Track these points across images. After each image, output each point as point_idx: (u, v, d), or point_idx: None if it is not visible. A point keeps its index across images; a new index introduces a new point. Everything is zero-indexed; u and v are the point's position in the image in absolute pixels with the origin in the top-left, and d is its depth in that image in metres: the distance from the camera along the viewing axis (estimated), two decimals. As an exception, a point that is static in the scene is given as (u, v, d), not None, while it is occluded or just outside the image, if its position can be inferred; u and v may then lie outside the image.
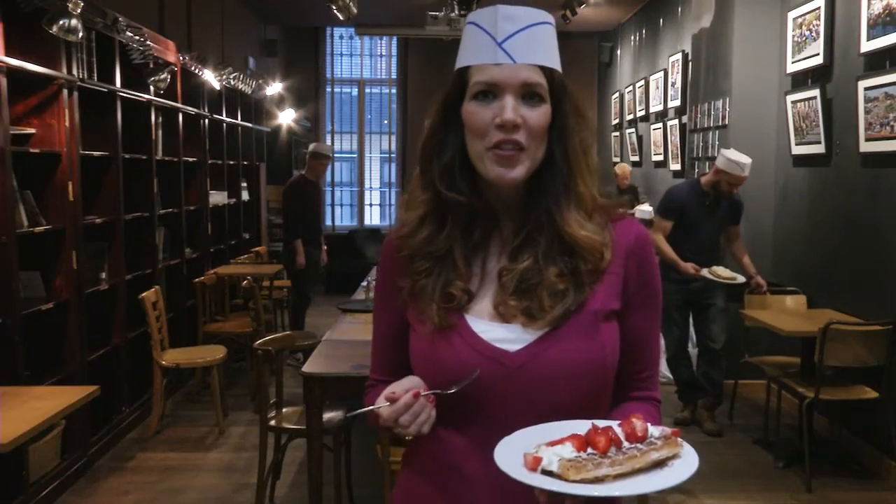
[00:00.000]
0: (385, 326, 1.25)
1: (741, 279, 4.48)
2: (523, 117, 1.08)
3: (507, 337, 1.11)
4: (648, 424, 1.02)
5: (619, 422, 1.02)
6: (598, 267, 1.13)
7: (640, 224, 1.21)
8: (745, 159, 4.27)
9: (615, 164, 9.47)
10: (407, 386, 1.08)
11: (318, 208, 6.55)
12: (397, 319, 1.21)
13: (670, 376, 4.80)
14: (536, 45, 1.11)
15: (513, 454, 1.01)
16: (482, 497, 1.11)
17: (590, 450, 0.98)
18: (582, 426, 1.03)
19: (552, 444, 0.99)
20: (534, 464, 0.98)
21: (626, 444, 0.99)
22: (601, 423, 1.02)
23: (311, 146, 6.55)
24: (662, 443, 1.00)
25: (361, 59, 10.97)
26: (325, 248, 6.65)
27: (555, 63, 1.13)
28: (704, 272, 4.42)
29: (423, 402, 1.06)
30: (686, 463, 1.00)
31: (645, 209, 7.25)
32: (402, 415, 1.05)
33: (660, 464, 1.00)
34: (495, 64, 1.09)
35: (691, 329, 4.93)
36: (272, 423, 3.45)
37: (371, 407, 1.06)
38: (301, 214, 6.20)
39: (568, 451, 0.98)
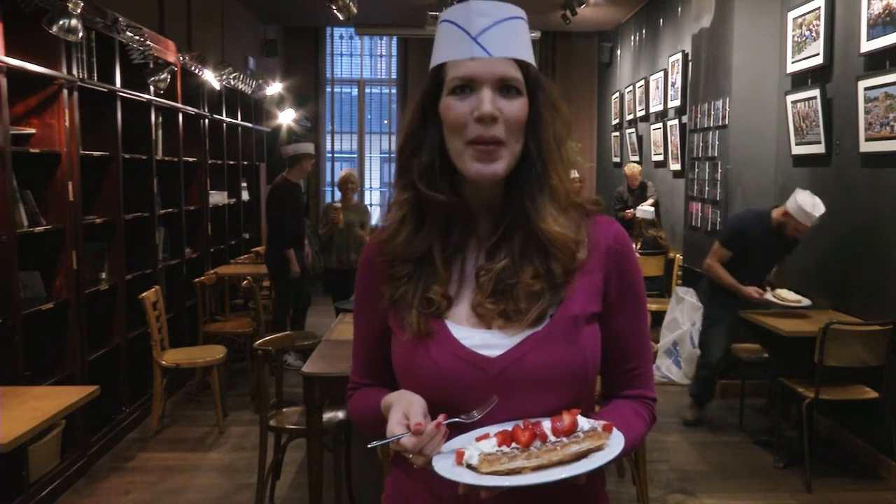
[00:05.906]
0: (365, 331, 1.25)
1: (806, 302, 4.29)
2: (501, 110, 1.08)
3: (488, 342, 1.10)
4: (580, 418, 1.03)
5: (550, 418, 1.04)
6: (571, 265, 1.12)
7: (618, 223, 1.21)
8: (817, 210, 4.08)
9: (616, 164, 9.49)
10: (419, 410, 1.05)
11: (301, 210, 6.22)
12: (378, 325, 1.21)
13: (670, 376, 4.79)
14: (511, 39, 1.11)
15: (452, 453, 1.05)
16: None
17: (513, 444, 1.00)
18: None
19: (479, 439, 1.02)
20: (458, 458, 1.01)
21: (551, 438, 1.01)
22: (532, 420, 1.04)
23: (291, 148, 6.00)
24: (584, 436, 1.02)
25: (361, 59, 10.97)
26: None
27: (529, 57, 1.13)
28: (769, 296, 4.32)
29: (443, 431, 1.04)
30: (603, 455, 1.01)
31: (646, 209, 7.23)
32: (426, 445, 1.02)
33: (583, 455, 1.01)
34: (471, 58, 1.09)
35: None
36: (272, 423, 3.45)
37: (394, 437, 1.03)
38: (289, 220, 5.83)
39: (490, 445, 1.00)
